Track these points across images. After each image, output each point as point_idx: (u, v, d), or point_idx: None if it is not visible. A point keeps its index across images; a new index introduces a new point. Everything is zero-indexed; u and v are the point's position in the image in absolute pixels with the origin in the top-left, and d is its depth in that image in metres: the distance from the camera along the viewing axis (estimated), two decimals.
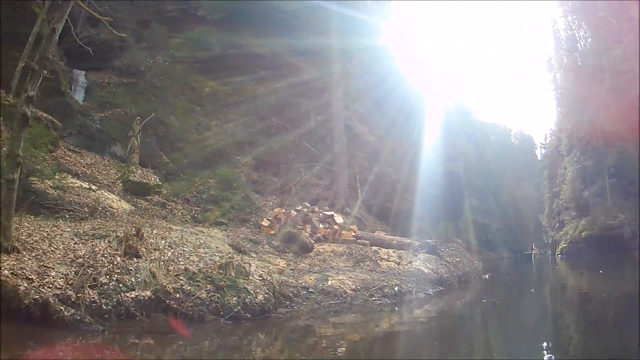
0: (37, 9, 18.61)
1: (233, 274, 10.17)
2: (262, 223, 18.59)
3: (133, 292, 8.85)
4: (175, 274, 9.81)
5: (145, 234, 11.02)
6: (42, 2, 18.02)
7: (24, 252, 8.81)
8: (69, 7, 9.62)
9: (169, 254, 10.64)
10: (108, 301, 8.40)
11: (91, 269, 8.96)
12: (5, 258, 8.24)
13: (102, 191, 16.55)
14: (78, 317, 7.72)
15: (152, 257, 10.11)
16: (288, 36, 28.47)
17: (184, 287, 9.37)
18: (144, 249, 10.34)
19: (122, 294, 8.67)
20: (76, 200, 14.32)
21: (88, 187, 16.21)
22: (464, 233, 36.05)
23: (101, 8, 22.66)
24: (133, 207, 16.65)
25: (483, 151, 58.80)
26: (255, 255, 14.33)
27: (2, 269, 7.89)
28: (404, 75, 32.98)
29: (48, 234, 10.05)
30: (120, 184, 18.53)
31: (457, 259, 20.53)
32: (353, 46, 28.61)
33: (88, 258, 9.37)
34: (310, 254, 16.27)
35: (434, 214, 28.96)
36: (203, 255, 11.21)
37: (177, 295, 9.11)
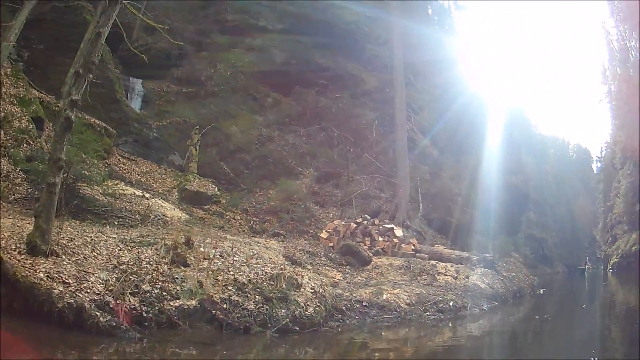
0: (89, 16, 18.90)
1: (284, 286, 9.81)
2: (321, 235, 18.43)
3: (177, 300, 8.56)
4: (224, 283, 9.46)
5: (195, 243, 10.78)
6: (93, 9, 18.19)
7: (64, 256, 8.58)
8: (115, 11, 9.39)
9: (219, 263, 10.29)
10: (149, 309, 8.13)
11: (134, 275, 8.76)
12: (43, 261, 8.08)
13: (156, 199, 16.53)
14: (114, 324, 7.44)
15: (201, 266, 9.78)
16: (350, 47, 28.40)
17: (231, 297, 9.03)
18: (192, 258, 10.08)
19: (166, 302, 8.40)
20: (127, 207, 14.32)
21: (141, 194, 16.19)
22: (521, 247, 35.39)
23: (158, 17, 23.17)
24: (188, 216, 16.57)
25: (542, 164, 59.16)
26: (310, 267, 14.14)
27: (38, 271, 7.72)
28: (465, 87, 32.28)
29: (92, 239, 9.80)
30: (176, 193, 18.53)
31: (514, 274, 20.50)
32: (415, 57, 28.00)
33: (132, 265, 9.15)
34: (368, 267, 16.19)
35: (493, 228, 28.36)
36: (255, 265, 10.76)
37: (224, 306, 8.77)
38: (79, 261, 8.65)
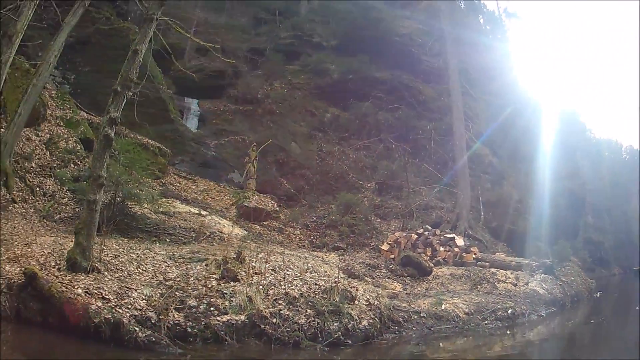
0: (133, 35, 19.14)
1: (337, 299, 9.39)
2: (382, 247, 18.31)
3: (225, 315, 8.24)
4: (274, 298, 9.06)
5: (247, 258, 10.43)
6: (138, 28, 18.39)
7: (106, 273, 8.54)
8: (150, 28, 9.38)
9: (271, 277, 9.88)
10: (194, 324, 7.88)
11: (180, 291, 8.54)
12: (83, 277, 8.09)
13: (213, 217, 16.35)
14: (153, 339, 7.29)
15: (252, 281, 9.40)
16: (406, 59, 28.22)
17: (282, 311, 8.66)
18: (243, 273, 9.74)
19: (212, 318, 8.10)
20: (181, 225, 14.20)
21: (197, 212, 16.10)
22: (580, 251, 34.51)
23: (210, 37, 23.43)
24: (246, 232, 16.34)
25: (598, 168, 58.18)
26: (369, 280, 14.01)
27: (76, 287, 7.70)
28: (518, 92, 32.18)
29: (138, 256, 9.74)
30: (235, 210, 18.35)
31: (572, 278, 20.20)
32: (469, 65, 27.93)
33: (179, 281, 8.93)
34: (429, 277, 16.19)
35: (552, 234, 27.26)
36: (308, 279, 10.30)
37: (274, 320, 8.42)
38: (122, 277, 8.58)
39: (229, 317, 8.14)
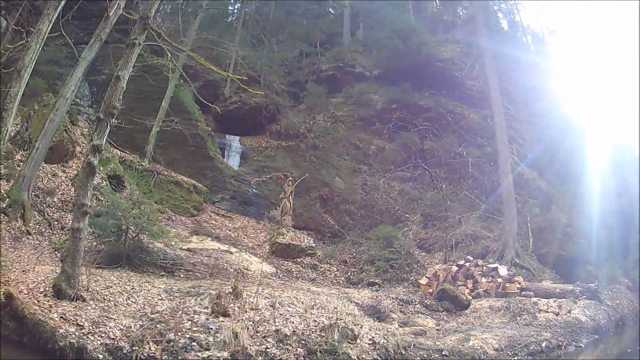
0: (168, 73, 19.75)
1: (335, 337, 8.91)
2: (420, 281, 17.95)
3: (207, 352, 8.00)
4: (264, 335, 8.69)
5: (244, 293, 10.15)
6: (173, 66, 18.91)
7: (91, 302, 8.70)
8: (133, 54, 9.54)
9: (267, 314, 9.57)
10: (171, 358, 7.72)
11: (162, 324, 8.37)
12: (65, 304, 8.32)
13: (243, 254, 16.52)
14: None
15: (243, 317, 9.11)
16: (449, 85, 28.12)
17: (269, 350, 8.29)
18: (236, 308, 9.47)
19: (193, 353, 7.90)
20: (205, 261, 14.25)
21: (226, 249, 16.32)
22: (630, 272, 32.59)
23: (250, 73, 24.02)
24: (275, 270, 16.43)
25: None
26: (396, 317, 13.62)
27: (52, 312, 8.02)
28: (564, 112, 30.76)
29: (132, 288, 9.73)
30: (268, 247, 18.41)
31: (617, 302, 19.08)
32: (513, 86, 27.83)
33: (165, 314, 8.78)
34: (466, 311, 15.62)
35: (601, 256, 26.01)
36: (309, 316, 9.84)
37: (259, 359, 8.09)
38: (106, 307, 8.66)
39: (210, 354, 7.89)
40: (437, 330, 13.25)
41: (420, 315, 14.77)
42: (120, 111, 20.33)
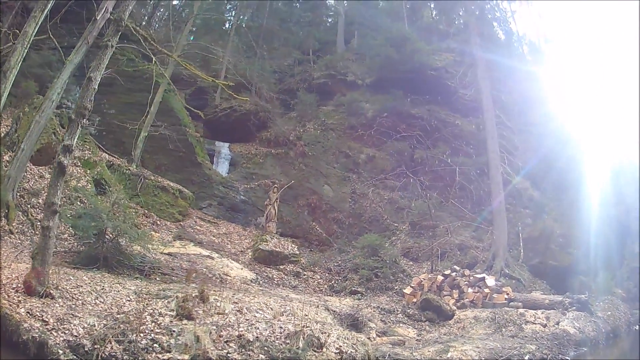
0: (159, 79, 20.00)
1: (300, 345, 8.98)
2: (405, 291, 17.95)
3: (168, 354, 8.12)
4: (226, 340, 8.80)
5: (211, 297, 10.33)
6: (160, 71, 19.11)
7: (60, 300, 8.89)
8: (105, 55, 9.73)
9: (233, 318, 9.71)
10: (131, 359, 7.86)
11: (126, 324, 8.49)
12: (34, 301, 8.54)
13: (224, 259, 16.78)
14: None
15: (208, 321, 9.28)
16: (442, 93, 28.51)
17: (230, 354, 8.41)
18: (201, 312, 9.64)
19: (154, 354, 8.04)
20: (184, 265, 14.53)
21: (208, 254, 16.58)
22: (624, 282, 32.89)
23: (241, 80, 24.28)
24: (255, 276, 16.59)
25: None
26: (374, 326, 13.51)
27: (20, 307, 8.21)
28: (560, 122, 30.63)
29: (102, 289, 9.92)
30: (250, 253, 18.62)
31: (609, 313, 18.99)
32: (507, 96, 28.15)
33: (130, 315, 8.90)
34: (450, 321, 15.54)
35: (595, 266, 25.81)
36: (276, 323, 9.91)
37: None
38: (74, 305, 8.83)
39: (170, 356, 8.01)
40: (417, 340, 13.20)
41: (401, 325, 14.73)
42: (111, 116, 20.86)
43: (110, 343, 7.94)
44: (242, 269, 16.59)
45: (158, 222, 18.77)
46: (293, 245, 19.86)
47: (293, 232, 22.61)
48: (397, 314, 15.63)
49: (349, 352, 9.48)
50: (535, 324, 15.02)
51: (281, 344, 8.91)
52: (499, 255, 21.38)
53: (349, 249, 21.69)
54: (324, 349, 9.20)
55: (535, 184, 27.96)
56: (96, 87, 9.58)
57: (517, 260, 22.94)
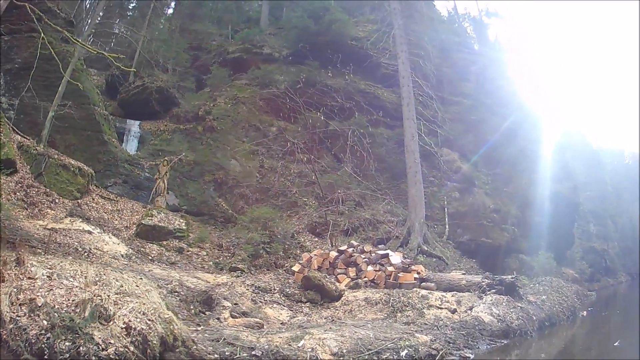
0: (79, 64, 21.51)
1: (86, 314, 9.42)
2: (293, 268, 17.56)
3: None
4: (21, 303, 9.72)
5: (28, 262, 11.20)
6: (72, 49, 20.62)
7: None
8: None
9: (39, 283, 10.47)
10: None
11: None
12: None
13: (103, 235, 18.16)
14: None
15: (15, 284, 10.18)
16: (362, 64, 29.50)
17: (19, 317, 9.21)
18: (13, 275, 10.53)
19: None
20: (58, 240, 15.91)
21: (88, 230, 17.99)
22: (576, 262, 34.53)
23: (155, 56, 26.09)
24: (130, 251, 17.82)
25: (600, 175, 62.54)
26: (228, 305, 13.30)
27: None
28: (508, 99, 32.09)
29: None
30: (134, 229, 20.07)
31: (544, 297, 18.34)
32: (440, 69, 29.41)
33: None
34: (336, 303, 15.08)
35: (540, 245, 27.15)
36: (78, 292, 10.58)
37: (11, 327, 8.99)
38: None
39: None
40: (282, 324, 12.62)
41: (275, 305, 14.21)
42: (28, 98, 22.72)
43: None
44: (118, 244, 17.73)
45: (57, 200, 20.12)
46: (181, 221, 20.99)
47: (198, 208, 23.85)
48: (274, 293, 15.20)
49: (139, 328, 9.44)
50: (441, 308, 14.14)
51: (66, 312, 9.38)
52: (415, 230, 21.44)
53: (252, 225, 22.00)
54: (110, 322, 9.43)
55: (464, 156, 28.76)
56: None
57: (440, 236, 23.29)
